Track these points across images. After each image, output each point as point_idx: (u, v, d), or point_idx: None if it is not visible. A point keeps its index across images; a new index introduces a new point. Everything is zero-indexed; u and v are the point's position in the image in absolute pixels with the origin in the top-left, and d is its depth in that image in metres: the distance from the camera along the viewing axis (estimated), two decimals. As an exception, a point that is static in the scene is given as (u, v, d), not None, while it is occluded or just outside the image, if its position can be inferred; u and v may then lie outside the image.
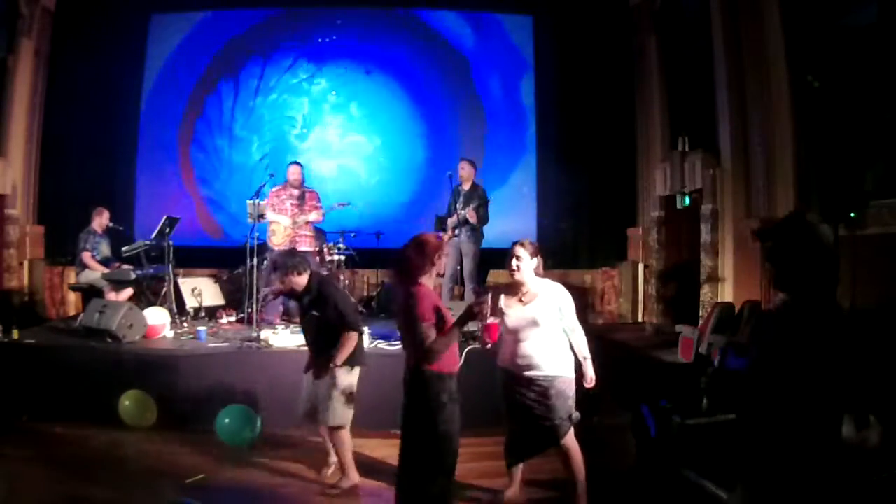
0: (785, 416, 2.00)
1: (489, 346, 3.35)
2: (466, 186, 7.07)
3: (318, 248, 7.04)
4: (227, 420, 4.94)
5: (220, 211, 9.70)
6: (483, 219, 6.97)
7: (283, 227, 6.66)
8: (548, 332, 3.75)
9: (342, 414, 4.16)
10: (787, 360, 1.99)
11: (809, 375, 1.95)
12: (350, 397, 4.21)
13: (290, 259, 4.36)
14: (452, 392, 3.22)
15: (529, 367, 3.75)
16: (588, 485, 3.81)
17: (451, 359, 3.26)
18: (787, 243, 2.09)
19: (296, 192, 6.80)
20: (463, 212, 6.92)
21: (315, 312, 4.28)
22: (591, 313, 9.14)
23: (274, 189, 6.92)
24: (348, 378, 4.23)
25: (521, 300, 3.79)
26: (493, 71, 9.91)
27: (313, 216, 6.71)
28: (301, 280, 4.28)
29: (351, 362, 4.23)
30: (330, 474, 4.45)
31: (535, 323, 3.72)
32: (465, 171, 7.08)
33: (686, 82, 8.03)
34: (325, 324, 4.23)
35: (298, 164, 6.98)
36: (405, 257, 3.25)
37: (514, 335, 3.78)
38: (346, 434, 4.20)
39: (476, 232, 7.00)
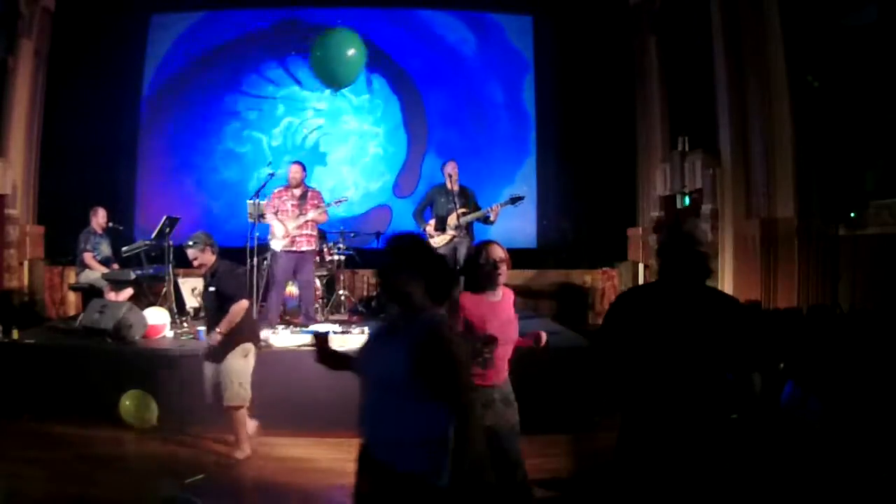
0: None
1: None
2: (455, 187, 7.04)
3: (319, 249, 6.99)
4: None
5: (220, 210, 9.69)
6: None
7: (283, 229, 6.64)
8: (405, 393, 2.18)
9: (238, 394, 4.61)
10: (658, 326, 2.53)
11: (673, 339, 2.49)
12: (246, 378, 4.67)
13: (207, 237, 4.83)
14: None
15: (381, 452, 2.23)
16: (588, 485, 3.81)
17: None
18: (668, 241, 2.65)
19: (297, 192, 6.75)
20: (490, 208, 6.85)
21: (212, 288, 4.75)
22: (591, 313, 9.14)
23: (276, 190, 6.88)
24: (242, 361, 4.67)
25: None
26: (493, 71, 9.91)
27: (311, 215, 6.66)
28: (210, 258, 4.77)
29: (243, 343, 4.69)
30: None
31: (385, 376, 2.23)
32: (456, 171, 7.06)
33: (686, 82, 8.03)
34: (220, 298, 4.70)
35: (299, 163, 6.93)
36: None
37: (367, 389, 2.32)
38: (243, 413, 4.67)
39: (472, 232, 7.02)
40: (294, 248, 6.63)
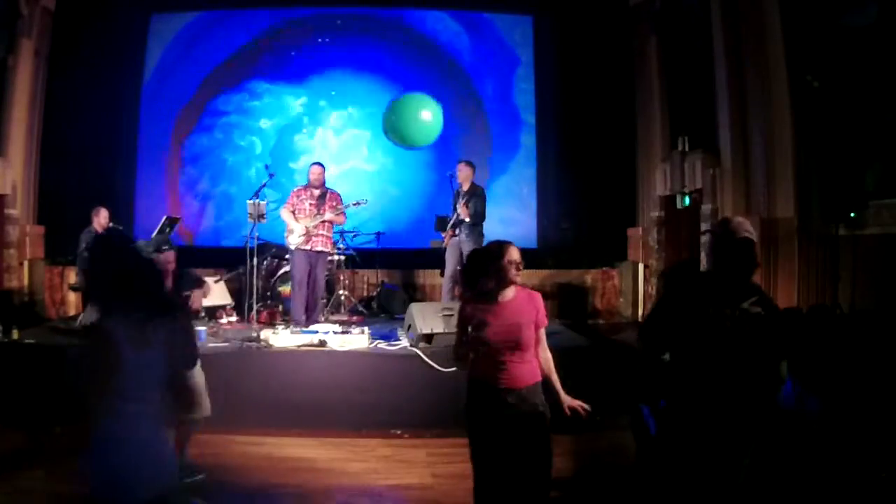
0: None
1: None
2: (465, 187, 7.12)
3: (330, 250, 7.02)
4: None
5: (220, 211, 9.70)
6: (478, 215, 6.98)
7: (299, 227, 6.66)
8: None
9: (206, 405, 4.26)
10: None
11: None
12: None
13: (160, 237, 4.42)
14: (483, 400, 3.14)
15: None
16: (588, 485, 3.81)
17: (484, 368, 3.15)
18: (712, 239, 2.81)
19: (316, 192, 6.78)
20: (459, 211, 6.95)
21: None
22: (590, 313, 9.15)
23: (295, 189, 6.91)
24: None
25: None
26: (493, 71, 9.91)
27: (328, 216, 6.68)
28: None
29: None
30: None
31: None
32: (462, 172, 7.14)
33: (686, 82, 8.03)
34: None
35: (320, 164, 6.94)
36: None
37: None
38: None
39: (475, 230, 7.01)
40: (309, 248, 6.66)
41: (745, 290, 2.68)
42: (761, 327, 2.61)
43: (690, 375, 2.69)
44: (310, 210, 6.71)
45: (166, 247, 4.38)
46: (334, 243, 7.56)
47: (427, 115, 4.26)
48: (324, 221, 6.69)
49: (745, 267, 2.70)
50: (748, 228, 2.75)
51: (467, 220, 6.92)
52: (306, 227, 6.60)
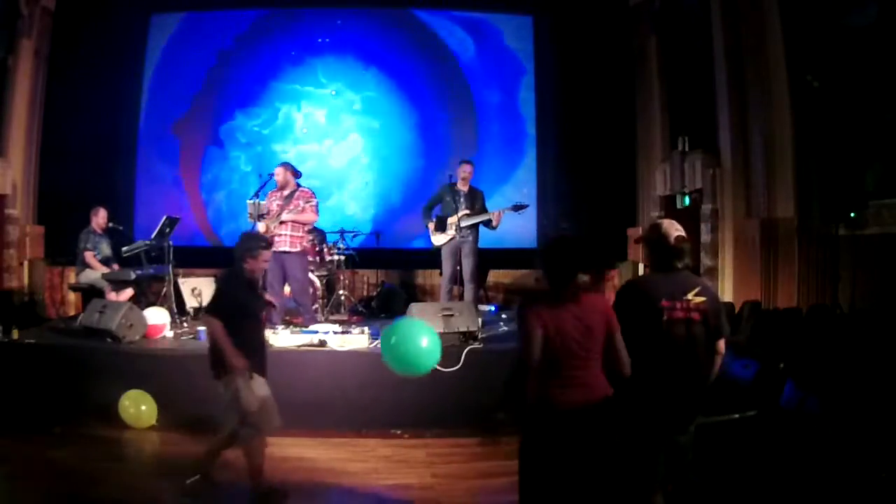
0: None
1: None
2: (464, 188, 7.04)
3: (300, 249, 6.88)
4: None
5: (221, 211, 9.70)
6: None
7: (263, 228, 6.60)
8: None
9: None
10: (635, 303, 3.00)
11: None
12: None
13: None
14: None
15: None
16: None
17: None
18: (648, 246, 3.11)
19: (284, 192, 6.72)
20: (492, 213, 6.84)
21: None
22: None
23: (269, 192, 6.89)
24: None
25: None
26: (493, 71, 9.91)
27: (285, 216, 6.56)
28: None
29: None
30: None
31: None
32: (467, 173, 7.07)
33: (686, 82, 8.04)
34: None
35: (283, 165, 6.84)
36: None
37: None
38: None
39: (476, 232, 7.00)
40: (273, 248, 6.56)
41: (689, 284, 2.96)
42: (704, 313, 2.90)
43: (650, 360, 2.89)
44: (276, 211, 6.65)
45: (264, 244, 4.33)
46: (310, 241, 7.42)
47: (426, 342, 4.01)
48: (284, 222, 6.56)
49: (684, 261, 3.00)
50: (678, 227, 3.03)
51: (497, 225, 6.90)
52: (268, 228, 6.52)
